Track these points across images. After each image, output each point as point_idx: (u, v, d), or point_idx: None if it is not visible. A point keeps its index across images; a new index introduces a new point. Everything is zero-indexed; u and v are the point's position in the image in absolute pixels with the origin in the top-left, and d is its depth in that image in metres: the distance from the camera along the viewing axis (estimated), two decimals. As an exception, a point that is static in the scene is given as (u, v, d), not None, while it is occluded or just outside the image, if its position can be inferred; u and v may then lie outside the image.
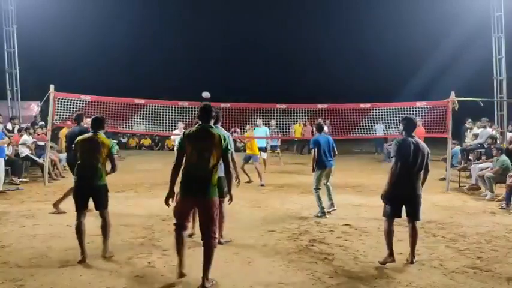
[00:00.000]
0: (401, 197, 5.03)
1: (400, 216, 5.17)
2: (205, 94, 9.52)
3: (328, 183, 7.49)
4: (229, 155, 4.31)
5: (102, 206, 5.05)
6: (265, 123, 12.97)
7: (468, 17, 15.61)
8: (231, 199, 4.54)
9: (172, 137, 12.95)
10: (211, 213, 4.15)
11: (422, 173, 5.08)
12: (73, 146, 5.29)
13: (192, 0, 28.12)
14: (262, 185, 10.32)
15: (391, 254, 5.00)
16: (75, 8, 21.77)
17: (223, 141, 4.17)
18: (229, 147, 4.28)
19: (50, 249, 5.23)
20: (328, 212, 7.29)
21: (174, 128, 11.42)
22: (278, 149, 15.10)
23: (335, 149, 7.46)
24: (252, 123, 11.83)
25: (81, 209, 4.99)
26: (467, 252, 5.44)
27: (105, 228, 5.05)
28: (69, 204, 7.81)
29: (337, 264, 4.94)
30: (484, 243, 5.83)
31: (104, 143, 5.05)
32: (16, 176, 10.13)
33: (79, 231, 4.92)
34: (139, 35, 26.95)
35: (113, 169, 5.26)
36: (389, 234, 5.08)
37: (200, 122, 4.29)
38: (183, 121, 11.21)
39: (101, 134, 5.16)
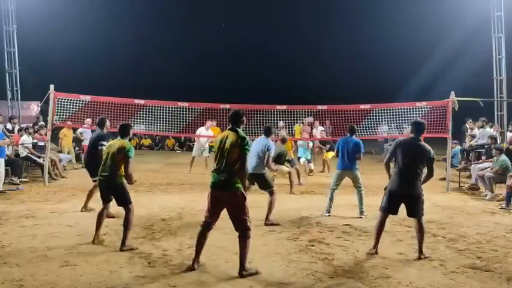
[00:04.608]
0: (399, 196, 5.15)
1: (395, 214, 5.29)
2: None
3: (359, 189, 7.35)
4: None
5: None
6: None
7: (468, 17, 15.63)
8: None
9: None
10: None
11: (425, 173, 5.19)
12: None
13: (192, 0, 28.13)
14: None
15: (374, 246, 5.21)
16: (75, 8, 21.80)
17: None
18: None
19: (50, 249, 5.22)
20: (360, 217, 7.20)
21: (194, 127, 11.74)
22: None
23: (360, 154, 7.33)
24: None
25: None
26: (467, 252, 5.43)
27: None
28: (70, 203, 7.85)
29: (337, 264, 4.93)
30: (484, 243, 5.84)
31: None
32: (16, 176, 10.11)
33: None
34: (139, 35, 26.97)
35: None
36: (378, 227, 5.23)
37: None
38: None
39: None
